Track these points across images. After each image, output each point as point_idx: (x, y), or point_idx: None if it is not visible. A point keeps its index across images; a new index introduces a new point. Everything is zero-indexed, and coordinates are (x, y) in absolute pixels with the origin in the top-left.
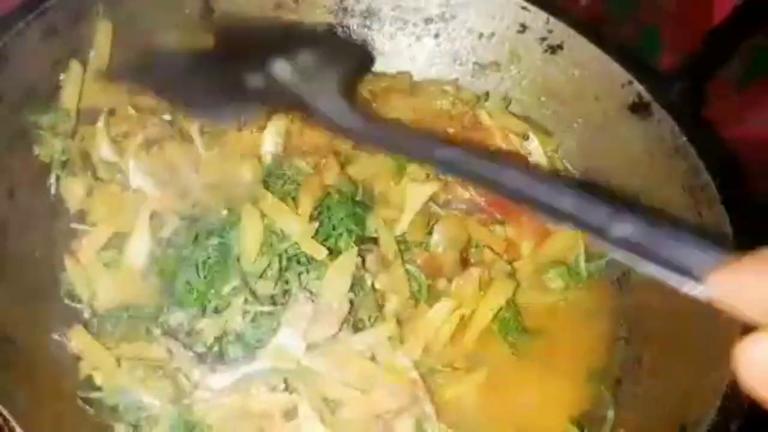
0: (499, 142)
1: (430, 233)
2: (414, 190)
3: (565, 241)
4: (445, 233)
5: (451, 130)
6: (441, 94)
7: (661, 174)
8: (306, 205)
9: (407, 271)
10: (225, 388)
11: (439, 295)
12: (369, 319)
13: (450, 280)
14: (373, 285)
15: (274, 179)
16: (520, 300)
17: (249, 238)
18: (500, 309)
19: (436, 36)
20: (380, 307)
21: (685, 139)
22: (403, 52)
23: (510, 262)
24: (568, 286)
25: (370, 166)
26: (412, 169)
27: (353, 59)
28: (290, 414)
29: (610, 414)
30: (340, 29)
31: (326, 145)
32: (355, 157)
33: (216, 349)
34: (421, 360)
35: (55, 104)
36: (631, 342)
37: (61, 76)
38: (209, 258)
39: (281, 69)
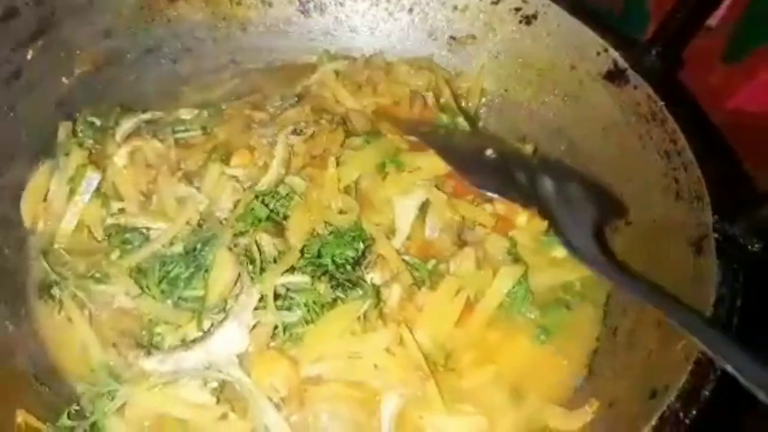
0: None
1: (422, 220)
2: (402, 205)
3: None
4: (437, 219)
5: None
6: (416, 73)
7: (638, 140)
8: (294, 239)
9: (406, 262)
10: (156, 372)
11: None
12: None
13: (444, 260)
14: (372, 283)
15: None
16: (533, 282)
17: (219, 280)
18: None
19: (410, 11)
20: (382, 303)
21: (662, 104)
22: (377, 28)
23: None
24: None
25: (356, 166)
26: (392, 170)
27: (609, 208)
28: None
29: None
30: (312, 6)
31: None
32: (344, 159)
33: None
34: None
35: None
36: (609, 314)
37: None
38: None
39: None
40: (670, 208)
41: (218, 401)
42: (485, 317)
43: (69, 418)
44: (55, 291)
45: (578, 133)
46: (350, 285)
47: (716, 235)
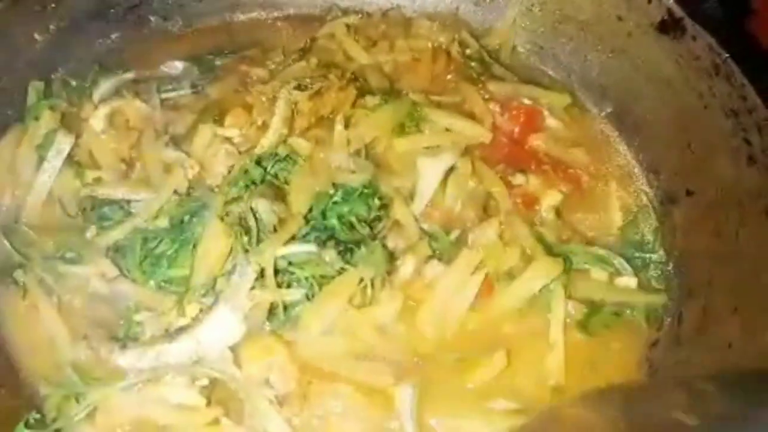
0: (474, 109)
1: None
2: (427, 166)
3: None
4: (460, 188)
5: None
6: (439, 29)
7: (699, 99)
8: (297, 204)
9: (424, 231)
10: (134, 369)
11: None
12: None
13: (466, 233)
14: (385, 244)
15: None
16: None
17: (208, 254)
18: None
19: None
20: (392, 270)
21: (726, 56)
22: None
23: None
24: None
25: (371, 127)
26: (414, 129)
27: None
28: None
29: None
30: None
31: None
32: (356, 119)
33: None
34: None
35: None
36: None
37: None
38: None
39: None
40: (741, 174)
41: (209, 402)
42: (506, 308)
43: (27, 426)
44: (19, 274)
45: (627, 93)
46: (358, 248)
47: None
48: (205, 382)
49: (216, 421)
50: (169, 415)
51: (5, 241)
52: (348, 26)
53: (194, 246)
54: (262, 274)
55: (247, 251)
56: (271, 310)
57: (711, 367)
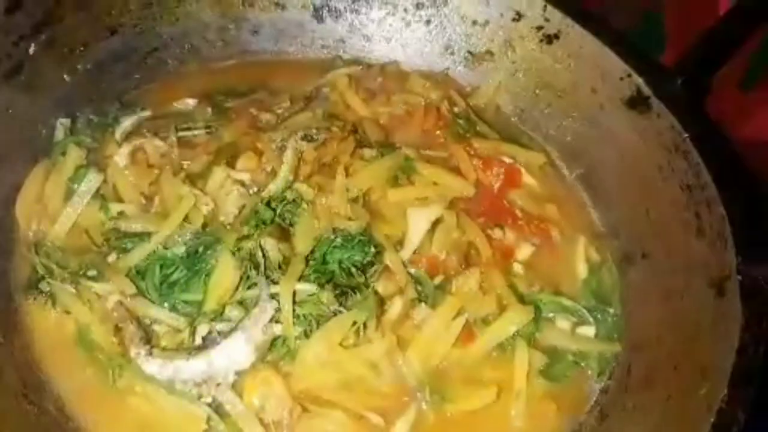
0: (460, 164)
1: (431, 236)
2: (416, 216)
3: None
4: (446, 237)
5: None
6: (432, 87)
7: (659, 171)
8: (301, 245)
9: (411, 275)
10: (154, 374)
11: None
12: (365, 327)
13: (449, 279)
14: (374, 289)
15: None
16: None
17: (219, 284)
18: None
19: (428, 22)
20: (381, 312)
21: (686, 135)
22: (393, 38)
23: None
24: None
25: (368, 178)
26: (405, 181)
27: None
28: None
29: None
30: (326, 11)
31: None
32: (354, 169)
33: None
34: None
35: None
36: (622, 350)
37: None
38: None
39: None
40: (690, 245)
41: (208, 422)
42: (484, 350)
43: None
44: (44, 286)
45: (596, 158)
46: (353, 293)
47: (740, 278)
48: (209, 399)
49: None
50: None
51: (33, 255)
52: (349, 77)
53: (207, 275)
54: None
55: (269, 287)
56: (271, 343)
57: (654, 416)
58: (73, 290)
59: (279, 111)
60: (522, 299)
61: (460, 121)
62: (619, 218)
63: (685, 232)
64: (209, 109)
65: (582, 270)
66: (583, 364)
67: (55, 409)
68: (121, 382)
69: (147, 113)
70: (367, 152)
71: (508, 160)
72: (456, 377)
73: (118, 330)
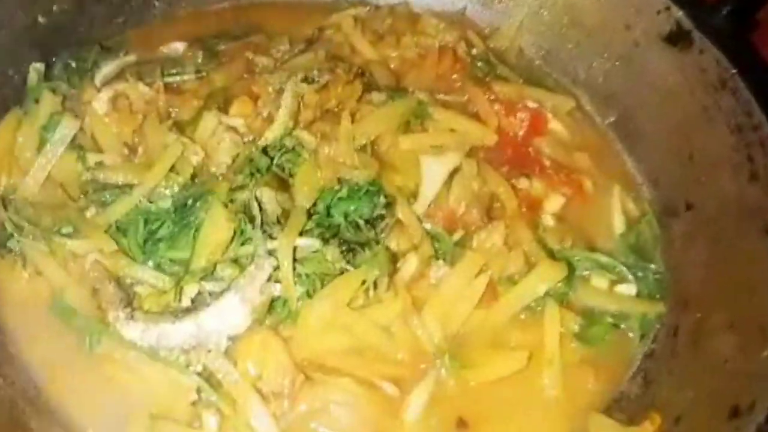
0: (479, 110)
1: (448, 188)
2: (431, 165)
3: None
4: (465, 189)
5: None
6: (446, 28)
7: (703, 112)
8: (302, 197)
9: (426, 231)
10: (134, 340)
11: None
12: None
13: (470, 235)
14: (385, 245)
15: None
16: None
17: (209, 240)
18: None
19: None
20: (394, 271)
21: (734, 71)
22: None
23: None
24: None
25: (377, 124)
26: (419, 128)
27: None
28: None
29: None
30: None
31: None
32: (362, 115)
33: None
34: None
35: None
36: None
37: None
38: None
39: None
40: (741, 191)
41: (198, 393)
42: (510, 312)
43: None
44: (14, 244)
45: (631, 102)
46: (362, 249)
47: None
48: (199, 368)
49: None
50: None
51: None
52: (355, 18)
53: (196, 230)
54: None
55: (267, 243)
56: (270, 305)
57: (707, 383)
58: (46, 248)
59: (277, 54)
60: (552, 255)
61: (479, 64)
62: (659, 166)
63: (736, 177)
64: (200, 54)
65: (619, 223)
66: (623, 326)
67: (23, 380)
68: (98, 350)
69: (131, 58)
70: (376, 96)
71: (532, 105)
72: (479, 342)
73: (95, 292)
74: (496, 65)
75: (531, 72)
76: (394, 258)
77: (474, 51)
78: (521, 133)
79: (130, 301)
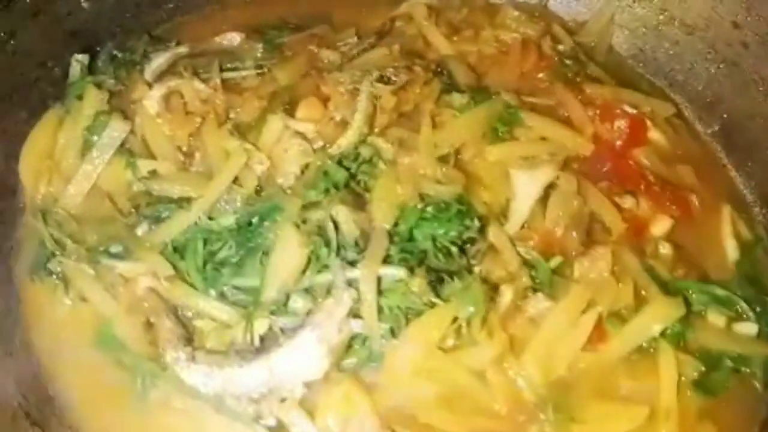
0: (572, 115)
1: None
2: (523, 180)
3: None
4: (563, 208)
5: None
6: (528, 21)
7: None
8: (381, 216)
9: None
10: (197, 387)
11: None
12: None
13: (569, 261)
14: (479, 274)
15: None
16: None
17: (281, 266)
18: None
19: None
20: (490, 302)
21: None
22: None
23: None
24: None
25: (460, 131)
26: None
27: None
28: None
29: None
30: None
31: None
32: (442, 121)
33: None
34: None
35: None
36: None
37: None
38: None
39: None
40: None
41: None
42: (620, 354)
43: None
44: (54, 265)
45: (738, 110)
46: (451, 279)
47: None
48: (272, 422)
49: None
50: None
51: (40, 224)
52: (428, 7)
53: (264, 254)
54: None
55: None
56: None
57: None
58: (92, 271)
59: (344, 48)
60: (666, 288)
61: (568, 62)
62: None
63: None
64: (259, 46)
65: (732, 249)
66: (745, 370)
67: (60, 426)
68: (153, 395)
69: (183, 49)
70: (457, 98)
71: (630, 110)
72: (585, 389)
73: (149, 325)
74: (586, 64)
75: (622, 73)
76: (490, 290)
77: (561, 47)
78: (619, 142)
79: (190, 337)
